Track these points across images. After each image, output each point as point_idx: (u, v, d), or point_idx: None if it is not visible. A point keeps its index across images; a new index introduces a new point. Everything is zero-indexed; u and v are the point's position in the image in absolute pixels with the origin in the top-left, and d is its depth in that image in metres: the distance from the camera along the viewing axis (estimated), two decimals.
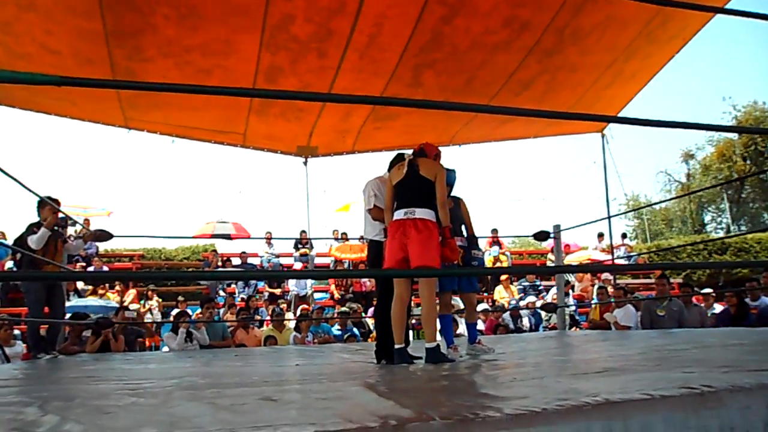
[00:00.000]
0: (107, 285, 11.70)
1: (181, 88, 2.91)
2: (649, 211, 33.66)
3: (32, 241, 6.06)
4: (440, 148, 4.64)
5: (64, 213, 6.34)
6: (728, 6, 6.82)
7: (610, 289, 10.36)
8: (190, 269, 15.65)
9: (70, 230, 6.68)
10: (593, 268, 9.95)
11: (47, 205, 6.19)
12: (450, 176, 4.86)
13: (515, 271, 15.12)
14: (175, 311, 10.23)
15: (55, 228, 6.27)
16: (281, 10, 6.61)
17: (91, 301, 10.60)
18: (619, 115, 8.97)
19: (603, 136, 10.04)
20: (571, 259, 14.66)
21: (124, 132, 8.91)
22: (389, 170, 4.64)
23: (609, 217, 10.08)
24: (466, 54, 7.54)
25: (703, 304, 9.09)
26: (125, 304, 11.30)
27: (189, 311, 9.34)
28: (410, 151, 4.51)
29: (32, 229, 6.19)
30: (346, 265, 13.69)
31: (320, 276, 12.99)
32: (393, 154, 4.75)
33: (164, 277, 11.32)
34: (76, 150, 48.27)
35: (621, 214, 28.62)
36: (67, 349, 7.02)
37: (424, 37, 7.20)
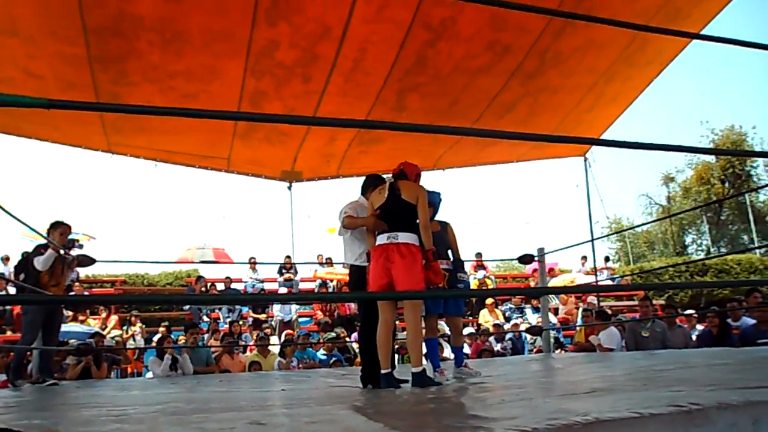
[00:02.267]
0: (88, 311, 11.56)
1: (168, 111, 2.91)
2: (632, 234, 33.97)
3: (38, 262, 6.05)
4: (424, 173, 4.67)
5: (47, 241, 6.26)
6: (703, 32, 6.97)
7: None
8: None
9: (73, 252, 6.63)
10: (577, 289, 9.99)
11: (58, 227, 6.20)
12: (434, 198, 4.87)
13: (500, 293, 15.14)
14: (157, 336, 10.12)
15: (62, 252, 6.24)
16: (266, 36, 6.66)
17: (72, 327, 10.45)
18: (601, 138, 9.10)
19: (585, 159, 10.15)
20: (555, 282, 14.71)
21: (107, 156, 8.87)
22: (363, 193, 4.64)
23: (592, 240, 10.13)
24: (449, 77, 7.62)
25: (686, 325, 9.14)
26: (107, 330, 11.16)
27: (172, 337, 9.22)
28: (389, 175, 4.53)
29: (39, 250, 6.17)
30: (331, 287, 13.67)
31: (305, 299, 12.91)
32: None
33: (152, 300, 11.19)
34: (59, 175, 47.76)
35: (604, 237, 28.82)
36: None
37: (408, 61, 7.28)
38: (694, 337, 8.40)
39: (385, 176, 4.56)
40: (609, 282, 14.48)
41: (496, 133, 4.33)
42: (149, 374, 9.05)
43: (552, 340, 9.43)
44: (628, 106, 8.95)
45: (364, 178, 4.73)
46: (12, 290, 9.85)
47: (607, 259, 17.20)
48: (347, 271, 5.07)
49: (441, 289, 4.46)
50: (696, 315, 10.03)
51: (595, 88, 8.33)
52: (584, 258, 16.02)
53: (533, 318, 12.83)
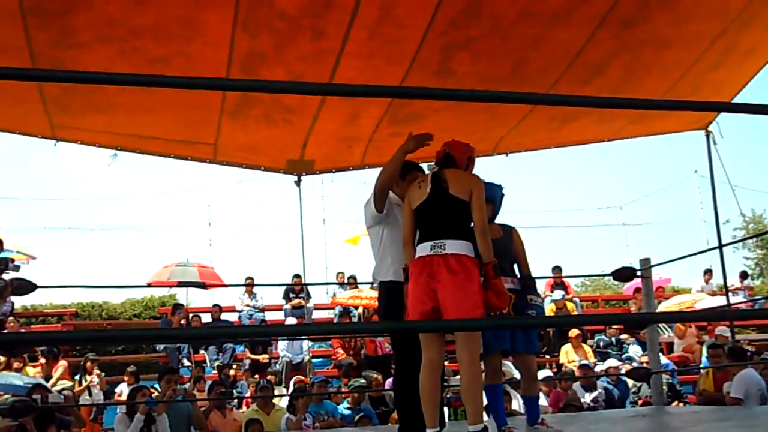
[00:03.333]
0: (26, 355, 11.74)
1: (133, 80, 2.99)
2: None
3: None
4: (480, 159, 4.70)
5: None
6: None
7: None
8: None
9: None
10: (701, 315, 9.76)
11: None
12: (494, 193, 4.90)
13: (589, 322, 14.98)
14: (121, 388, 10.27)
15: None
16: None
17: (5, 377, 10.57)
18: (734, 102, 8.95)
19: (708, 134, 9.92)
20: (667, 306, 14.56)
21: (50, 144, 9.00)
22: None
23: (720, 247, 9.97)
24: (512, 28, 7.55)
25: None
26: (53, 381, 11.34)
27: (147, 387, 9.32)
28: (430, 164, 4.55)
29: None
30: (356, 315, 13.74)
31: (320, 333, 12.92)
32: None
33: (114, 339, 11.29)
34: None
35: (737, 242, 28.35)
36: None
37: (455, 8, 7.25)
38: None
39: (425, 166, 4.59)
40: (747, 306, 14.29)
41: (589, 101, 4.32)
42: None
43: (665, 387, 9.36)
44: None
45: None
46: None
47: (744, 275, 16.92)
48: (377, 293, 5.11)
49: (506, 316, 4.48)
50: None
51: (724, 38, 8.17)
52: (709, 272, 15.85)
53: (637, 356, 12.73)
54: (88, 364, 11.89)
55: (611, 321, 13.53)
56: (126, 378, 10.96)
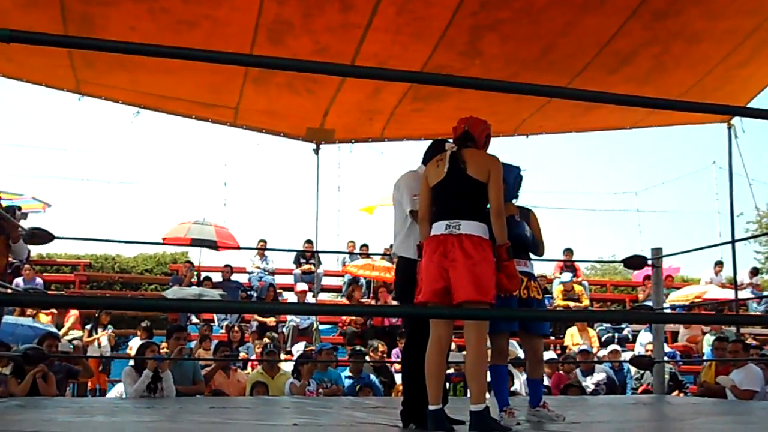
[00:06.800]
0: None
1: (155, 51, 3.01)
2: None
3: None
4: (501, 139, 4.69)
5: None
6: None
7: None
8: (153, 286, 15.90)
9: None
10: (714, 318, 9.59)
11: None
12: (512, 174, 4.89)
13: (596, 318, 14.87)
14: (134, 342, 10.32)
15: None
16: None
17: (18, 320, 10.59)
18: (756, 99, 8.89)
19: (730, 127, 9.77)
20: (678, 296, 14.52)
21: (74, 98, 9.03)
22: (424, 162, 4.68)
23: (733, 242, 9.91)
24: (543, 13, 7.50)
25: None
26: (64, 329, 11.44)
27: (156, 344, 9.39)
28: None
29: None
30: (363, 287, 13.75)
31: (327, 312, 12.74)
32: None
33: (123, 306, 11.35)
34: (7, 119, 48.77)
35: (750, 237, 28.15)
36: None
37: None
38: None
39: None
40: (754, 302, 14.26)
41: (608, 97, 4.27)
42: (114, 392, 9.24)
43: (667, 377, 9.36)
44: None
45: (418, 143, 4.78)
46: None
47: (755, 271, 16.74)
48: (390, 264, 5.14)
49: (513, 300, 4.50)
50: None
51: (756, 34, 8.07)
52: (720, 264, 15.77)
53: (642, 342, 12.71)
54: (102, 315, 11.98)
55: (614, 318, 13.54)
56: (139, 333, 11.01)
